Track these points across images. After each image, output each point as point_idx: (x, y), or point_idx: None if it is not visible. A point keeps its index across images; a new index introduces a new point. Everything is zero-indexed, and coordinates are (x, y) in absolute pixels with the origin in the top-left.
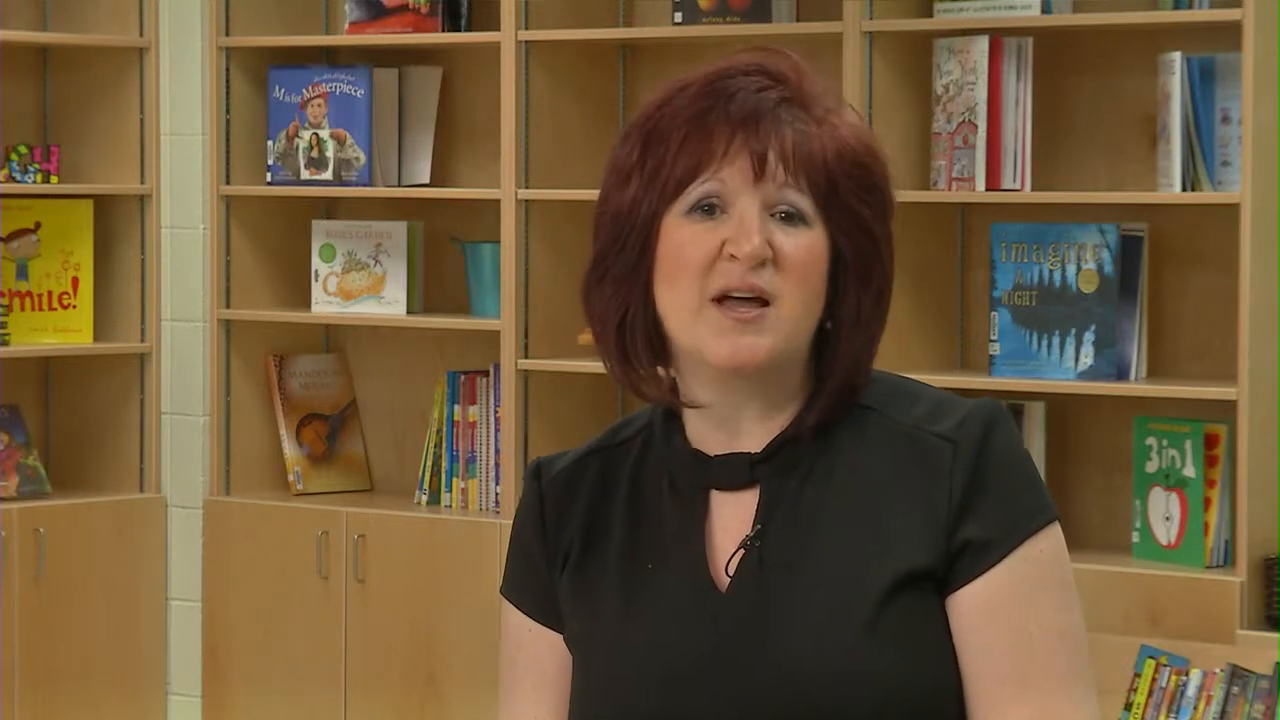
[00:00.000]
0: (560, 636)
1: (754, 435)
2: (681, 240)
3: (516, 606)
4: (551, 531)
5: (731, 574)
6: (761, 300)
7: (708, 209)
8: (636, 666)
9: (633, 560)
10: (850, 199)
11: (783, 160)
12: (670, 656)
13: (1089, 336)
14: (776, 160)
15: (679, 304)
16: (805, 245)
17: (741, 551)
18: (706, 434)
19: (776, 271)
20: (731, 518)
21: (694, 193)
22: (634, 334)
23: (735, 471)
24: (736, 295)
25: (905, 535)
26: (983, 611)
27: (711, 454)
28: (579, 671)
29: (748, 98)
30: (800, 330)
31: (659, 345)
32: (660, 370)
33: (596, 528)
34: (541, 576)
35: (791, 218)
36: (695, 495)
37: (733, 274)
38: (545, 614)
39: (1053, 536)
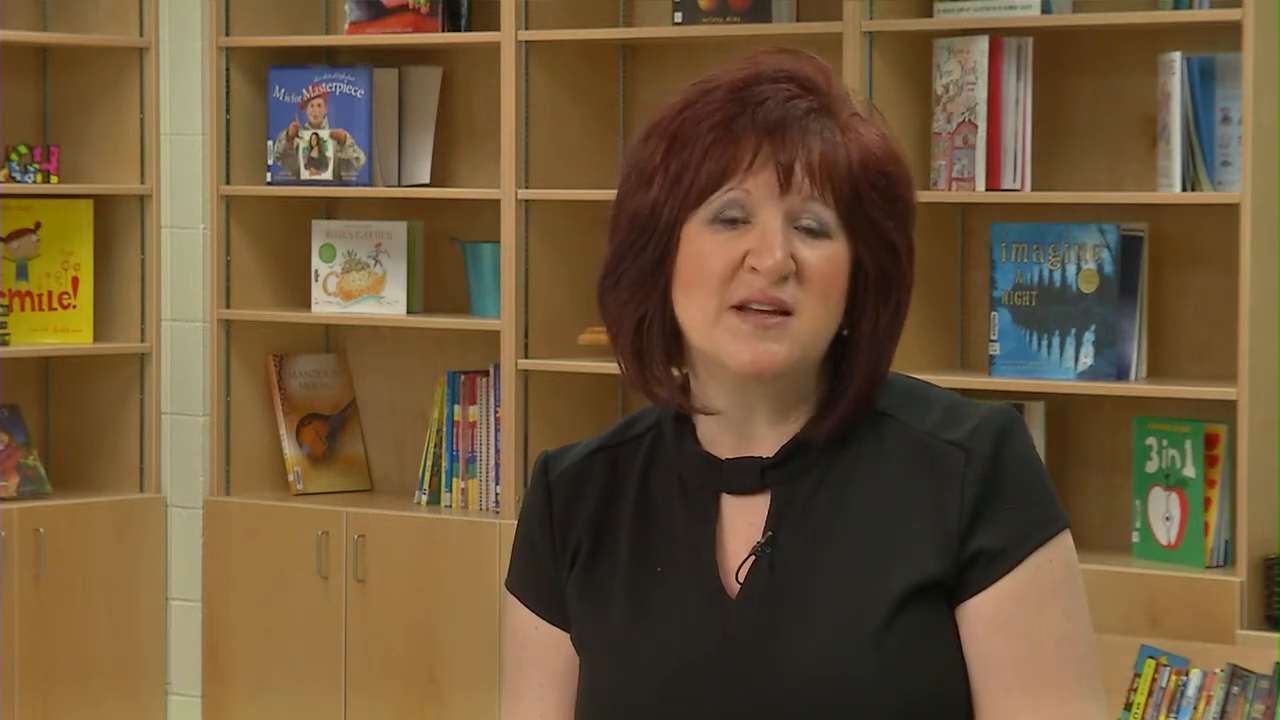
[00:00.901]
0: (566, 634)
1: (765, 440)
2: (702, 249)
3: (522, 602)
4: (559, 528)
5: (741, 580)
6: (782, 310)
7: (730, 220)
8: (643, 669)
9: (641, 562)
10: (874, 210)
11: (809, 173)
12: (677, 660)
13: (1089, 336)
14: (803, 173)
15: (697, 311)
16: (827, 258)
17: (752, 558)
18: (718, 437)
19: (798, 284)
20: (742, 522)
21: (717, 201)
22: (650, 337)
23: (747, 476)
24: (756, 306)
25: (916, 544)
26: (992, 621)
27: (723, 457)
28: (586, 673)
29: (776, 106)
30: (820, 339)
31: (674, 348)
32: (674, 371)
33: (605, 527)
34: (548, 573)
35: (814, 230)
36: (706, 498)
37: (754, 286)
38: (551, 611)
39: (1063, 545)
